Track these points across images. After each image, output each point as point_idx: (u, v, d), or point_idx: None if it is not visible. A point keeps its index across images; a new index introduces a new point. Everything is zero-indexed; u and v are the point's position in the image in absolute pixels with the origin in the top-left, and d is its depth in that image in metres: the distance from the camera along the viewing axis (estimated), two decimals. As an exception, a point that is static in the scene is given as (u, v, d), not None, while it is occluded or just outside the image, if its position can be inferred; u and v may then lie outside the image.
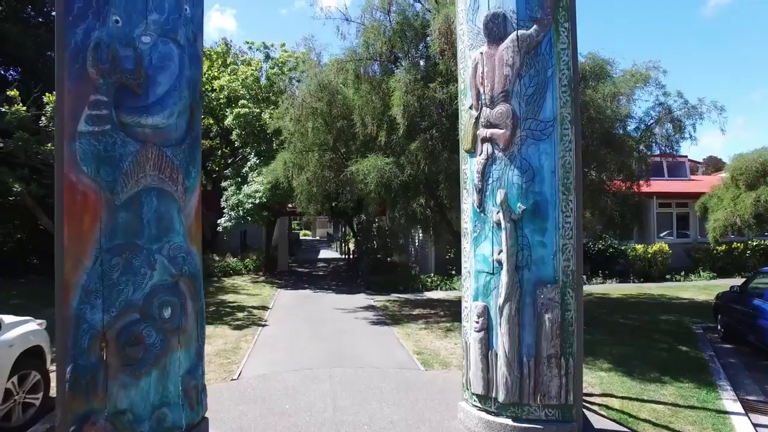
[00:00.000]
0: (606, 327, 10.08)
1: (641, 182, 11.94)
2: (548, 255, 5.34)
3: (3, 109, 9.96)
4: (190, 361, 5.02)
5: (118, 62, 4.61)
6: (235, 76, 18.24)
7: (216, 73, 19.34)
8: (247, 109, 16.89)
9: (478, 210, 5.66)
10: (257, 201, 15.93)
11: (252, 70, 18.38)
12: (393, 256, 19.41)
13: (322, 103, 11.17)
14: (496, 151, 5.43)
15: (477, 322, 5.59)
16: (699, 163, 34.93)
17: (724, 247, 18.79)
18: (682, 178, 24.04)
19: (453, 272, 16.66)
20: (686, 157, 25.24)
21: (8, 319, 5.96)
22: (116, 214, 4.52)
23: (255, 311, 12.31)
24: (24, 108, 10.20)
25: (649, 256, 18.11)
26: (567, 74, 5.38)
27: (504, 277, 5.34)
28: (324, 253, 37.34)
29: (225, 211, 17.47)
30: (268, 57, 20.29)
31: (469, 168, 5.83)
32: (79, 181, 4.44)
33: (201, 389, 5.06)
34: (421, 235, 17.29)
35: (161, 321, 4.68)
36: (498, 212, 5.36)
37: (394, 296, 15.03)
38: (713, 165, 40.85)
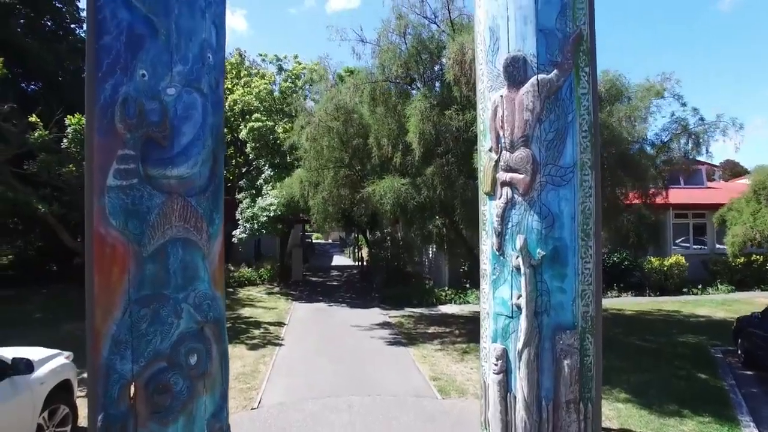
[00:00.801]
0: (622, 350, 10.03)
1: (659, 189, 11.85)
2: (567, 301, 5.34)
3: (28, 136, 10.20)
4: (215, 405, 5.11)
5: (144, 116, 4.71)
6: (248, 89, 18.42)
7: (230, 85, 19.52)
8: (260, 123, 17.04)
9: (497, 253, 5.68)
10: (272, 214, 16.10)
11: (265, 83, 18.54)
12: (407, 267, 19.45)
13: (338, 122, 11.25)
14: (515, 196, 5.44)
15: (496, 365, 5.62)
16: (716, 166, 34.44)
17: (743, 259, 18.50)
18: (698, 186, 23.67)
19: (467, 285, 16.68)
20: (704, 164, 24.87)
21: (39, 353, 6.13)
22: (144, 266, 4.63)
23: (271, 328, 12.44)
24: (46, 132, 10.42)
25: (665, 269, 17.93)
26: (587, 119, 5.38)
27: (523, 322, 5.35)
28: (337, 259, 37.51)
29: (240, 222, 17.66)
30: (281, 69, 20.46)
31: (489, 210, 5.85)
32: (108, 234, 4.55)
33: (225, 430, 5.18)
34: (435, 246, 17.33)
35: (188, 368, 4.78)
36: (517, 257, 5.38)
37: (408, 311, 15.09)
38: (731, 169, 40.29)
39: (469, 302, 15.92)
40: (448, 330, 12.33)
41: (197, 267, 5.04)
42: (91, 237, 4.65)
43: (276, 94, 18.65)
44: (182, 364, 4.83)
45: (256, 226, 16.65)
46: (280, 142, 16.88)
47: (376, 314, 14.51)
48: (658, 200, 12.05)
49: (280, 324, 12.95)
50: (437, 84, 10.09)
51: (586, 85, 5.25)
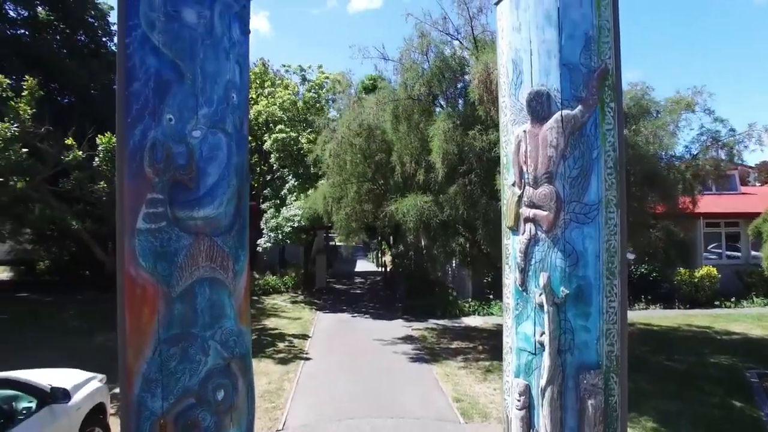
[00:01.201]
0: (650, 371, 9.83)
1: (688, 203, 11.55)
2: (591, 340, 5.28)
3: (63, 156, 10.58)
4: (241, 436, 5.26)
5: (171, 160, 4.84)
6: (272, 99, 18.66)
7: (254, 95, 19.83)
8: (284, 134, 17.27)
9: (520, 289, 5.64)
10: (296, 224, 16.30)
11: (288, 93, 18.75)
12: (430, 275, 19.42)
13: (361, 138, 11.33)
14: (539, 232, 5.40)
15: (518, 400, 5.58)
16: (751, 168, 33.26)
17: (780, 271, 17.81)
18: (731, 192, 22.85)
19: (491, 296, 16.58)
20: (736, 167, 24.02)
21: (75, 377, 6.38)
22: (173, 306, 4.76)
23: (296, 341, 12.61)
24: (80, 152, 10.78)
25: (696, 280, 17.43)
26: (613, 156, 5.31)
27: (546, 359, 5.30)
28: (360, 265, 37.66)
29: (264, 232, 17.92)
30: (304, 79, 20.67)
31: (512, 245, 5.81)
32: (139, 275, 4.70)
33: (252, 458, 5.31)
34: (458, 260, 17.28)
35: (215, 404, 4.91)
36: (540, 294, 5.33)
37: (431, 323, 15.08)
38: (767, 171, 38.83)
39: (492, 314, 15.82)
40: (471, 345, 12.28)
41: (224, 305, 5.17)
42: (122, 278, 4.81)
43: (300, 104, 18.86)
44: (210, 400, 4.97)
45: (280, 236, 16.89)
46: (304, 152, 17.07)
47: (399, 326, 14.55)
48: (686, 207, 11.74)
49: (305, 336, 13.11)
50: (460, 101, 10.06)
51: (611, 120, 5.16)
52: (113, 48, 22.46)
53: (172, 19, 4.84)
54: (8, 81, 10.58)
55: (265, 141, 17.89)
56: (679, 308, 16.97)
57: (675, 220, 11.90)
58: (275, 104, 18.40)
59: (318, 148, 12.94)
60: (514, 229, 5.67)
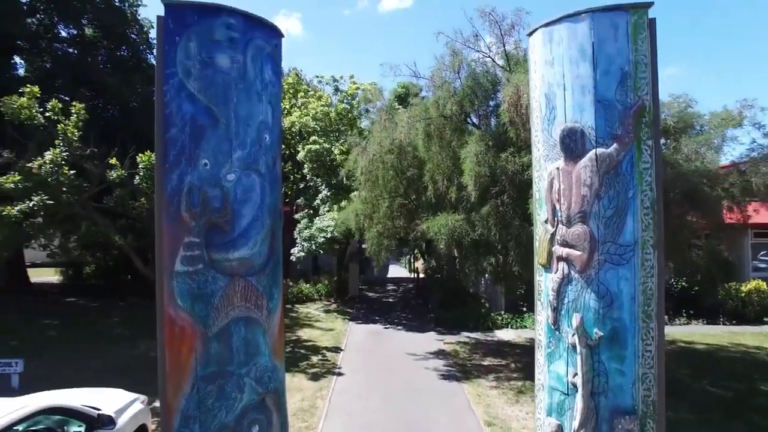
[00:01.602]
0: (691, 398, 9.47)
1: (736, 217, 11.08)
2: (627, 384, 5.16)
3: (107, 174, 11.07)
4: (275, 467, 5.40)
5: (207, 203, 5.00)
6: (306, 110, 18.92)
7: (287, 106, 20.12)
8: (317, 146, 17.50)
9: (552, 327, 5.56)
10: (329, 235, 16.49)
11: (321, 105, 18.97)
12: (463, 284, 19.24)
13: (393, 155, 11.36)
14: (572, 272, 5.31)
15: (551, 441, 5.51)
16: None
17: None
18: (782, 199, 21.69)
19: (524, 309, 16.35)
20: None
21: (119, 399, 6.67)
22: (209, 345, 4.93)
23: (329, 354, 12.76)
24: (123, 171, 11.23)
25: (743, 295, 16.63)
26: (650, 195, 5.18)
27: (579, 401, 5.22)
28: (393, 270, 37.71)
29: (297, 241, 18.21)
30: (337, 90, 20.86)
31: (544, 282, 5.73)
32: (177, 315, 4.88)
33: (286, 486, 5.45)
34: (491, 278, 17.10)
35: (251, 439, 5.08)
36: (573, 335, 5.25)
37: (464, 336, 14.99)
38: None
39: (525, 327, 15.59)
40: (503, 362, 12.14)
41: (258, 343, 5.31)
42: (162, 317, 5.00)
43: (332, 115, 19.06)
44: (246, 436, 5.14)
45: (313, 246, 17.13)
46: (336, 163, 17.26)
47: (432, 339, 14.53)
48: (734, 220, 11.25)
49: (337, 349, 13.25)
50: (493, 120, 9.96)
51: (648, 159, 5.03)
52: (152, 61, 23.25)
53: (206, 65, 5.00)
54: (59, 105, 11.10)
55: (299, 151, 18.16)
56: (724, 324, 16.24)
57: (719, 234, 11.45)
58: (308, 114, 18.64)
59: (350, 162, 13.05)
60: (547, 267, 5.59)
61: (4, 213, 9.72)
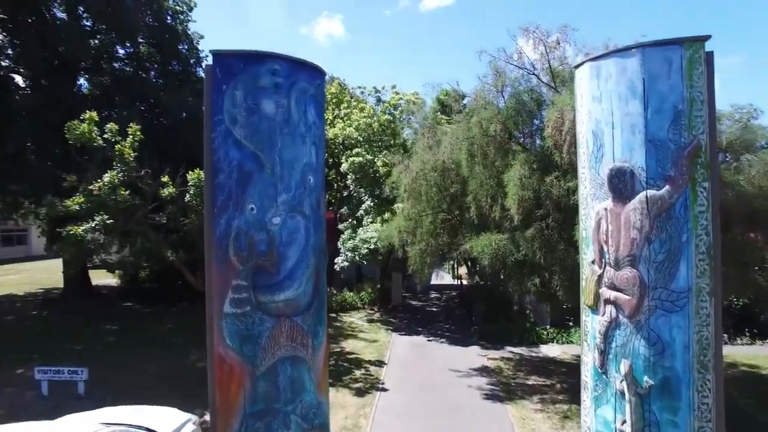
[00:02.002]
0: None
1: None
2: (681, 437, 4.95)
3: (159, 193, 11.60)
4: (325, 497, 5.55)
5: (254, 247, 5.16)
6: (349, 121, 19.12)
7: (330, 117, 20.34)
8: (361, 158, 17.67)
9: (599, 370, 5.42)
10: (372, 247, 16.61)
11: (364, 116, 19.11)
12: (506, 296, 18.90)
13: (436, 173, 11.33)
14: (620, 316, 5.15)
15: (599, 489, 5.37)
16: None
17: None
18: None
19: (570, 323, 15.91)
20: None
21: (172, 420, 7.01)
22: (257, 384, 5.10)
23: (372, 368, 12.87)
24: (174, 189, 11.72)
25: (812, 312, 15.55)
26: (705, 240, 4.95)
27: (629, 451, 5.05)
28: (436, 277, 37.38)
29: (341, 251, 18.43)
30: (379, 100, 20.99)
31: (590, 324, 5.58)
32: (227, 355, 5.07)
33: None
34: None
35: (296, 474, 5.23)
36: (621, 381, 5.09)
37: (507, 351, 14.75)
38: None
39: (572, 342, 15.17)
40: (549, 382, 11.87)
41: (304, 380, 5.44)
42: (212, 356, 5.21)
43: (375, 126, 19.18)
44: (291, 472, 5.29)
45: (357, 258, 17.31)
46: (379, 175, 17.36)
47: (475, 354, 14.37)
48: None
49: (381, 363, 13.33)
50: (537, 139, 9.75)
51: (704, 201, 4.82)
52: (201, 74, 24.03)
53: (252, 112, 5.17)
54: (116, 127, 11.70)
55: (342, 163, 18.40)
56: (791, 344, 15.24)
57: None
58: (351, 125, 18.83)
59: (394, 177, 13.10)
60: (594, 309, 5.44)
61: (71, 233, 10.43)
